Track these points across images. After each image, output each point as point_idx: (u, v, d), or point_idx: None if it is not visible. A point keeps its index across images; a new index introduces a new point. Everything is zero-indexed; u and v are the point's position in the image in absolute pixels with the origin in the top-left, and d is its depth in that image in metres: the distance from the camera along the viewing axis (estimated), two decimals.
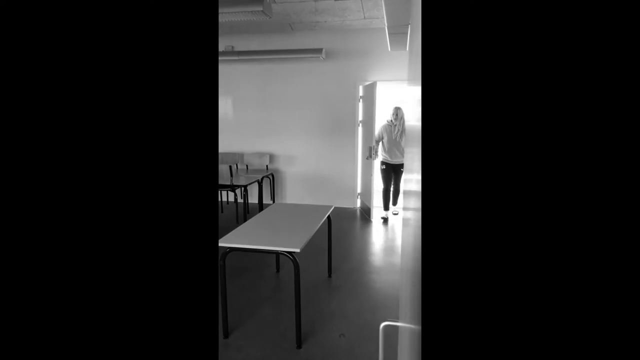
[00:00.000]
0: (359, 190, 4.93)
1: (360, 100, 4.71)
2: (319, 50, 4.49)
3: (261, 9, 2.70)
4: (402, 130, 4.09)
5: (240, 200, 5.12)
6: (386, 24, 3.16)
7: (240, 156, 5.14)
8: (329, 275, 2.83)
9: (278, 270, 2.94)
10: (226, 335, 2.04)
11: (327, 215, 2.48)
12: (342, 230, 4.00)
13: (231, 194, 5.26)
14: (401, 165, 4.16)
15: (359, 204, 4.92)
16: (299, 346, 1.94)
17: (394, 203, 4.49)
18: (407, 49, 2.72)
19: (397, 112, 4.16)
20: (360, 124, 4.72)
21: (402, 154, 4.15)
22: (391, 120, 4.16)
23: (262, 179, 4.47)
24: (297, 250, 1.80)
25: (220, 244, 1.91)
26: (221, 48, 5.02)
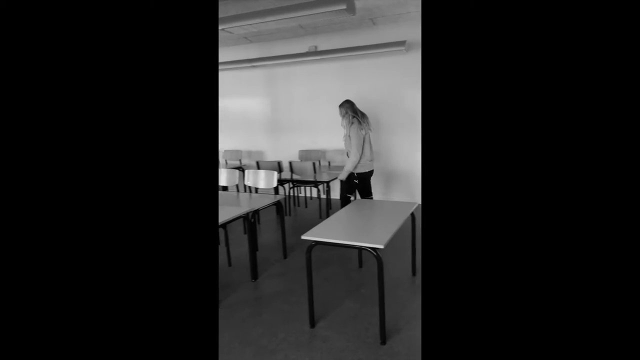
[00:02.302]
0: None
1: None
2: (401, 43, 4.38)
3: (345, 7, 2.73)
4: (346, 134, 3.38)
5: (323, 196, 5.27)
6: None
7: (322, 153, 5.27)
8: (413, 274, 2.77)
9: (361, 266, 2.96)
10: (312, 325, 2.13)
11: (410, 212, 2.42)
12: None
13: (314, 190, 5.44)
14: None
15: None
16: (384, 342, 1.94)
17: None
18: None
19: (339, 111, 3.46)
20: None
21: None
22: None
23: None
24: (381, 246, 1.80)
25: (305, 237, 2.00)
26: (305, 49, 5.19)
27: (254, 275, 2.80)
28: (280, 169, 4.52)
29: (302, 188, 5.44)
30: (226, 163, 5.79)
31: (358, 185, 3.49)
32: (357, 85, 5.02)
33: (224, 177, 3.78)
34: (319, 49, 5.10)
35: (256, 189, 3.89)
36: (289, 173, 4.47)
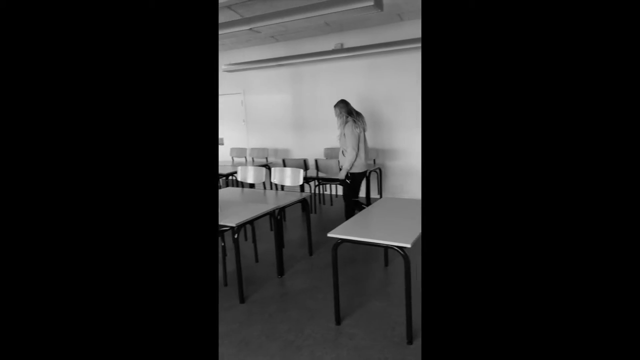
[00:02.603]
0: None
1: None
2: None
3: (372, 3, 2.71)
4: (341, 133, 3.43)
5: None
6: None
7: None
8: None
9: (387, 265, 2.94)
10: (338, 322, 2.14)
11: None
12: None
13: (340, 188, 5.43)
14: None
15: None
16: (410, 342, 1.92)
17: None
18: None
19: (334, 111, 3.53)
20: None
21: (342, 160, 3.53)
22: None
23: (369, 173, 4.51)
24: (408, 245, 1.78)
25: (331, 235, 2.00)
26: (331, 46, 5.18)
27: (280, 272, 2.83)
28: (306, 167, 4.55)
29: (328, 186, 5.45)
30: (253, 161, 5.88)
31: (350, 185, 3.51)
32: (383, 81, 4.96)
33: (251, 175, 3.85)
34: (345, 46, 5.08)
35: (282, 187, 3.93)
36: (315, 171, 4.48)
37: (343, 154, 3.49)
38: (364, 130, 3.44)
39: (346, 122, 3.38)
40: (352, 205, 3.59)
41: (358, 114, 3.46)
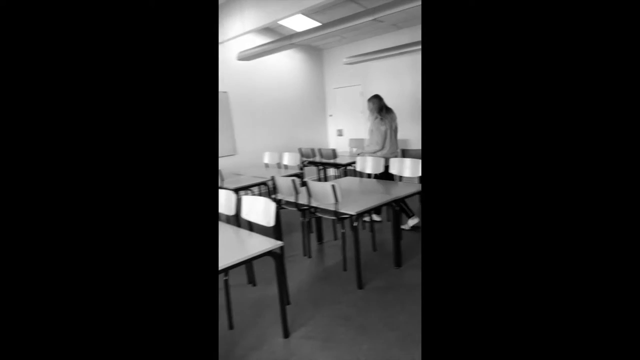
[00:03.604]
0: None
1: None
2: None
3: None
4: (370, 128, 3.66)
5: None
6: None
7: None
8: None
9: None
10: None
11: None
12: None
13: None
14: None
15: None
16: None
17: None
18: None
19: (367, 105, 3.72)
20: None
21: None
22: None
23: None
24: None
25: None
26: None
27: (398, 263, 2.82)
28: None
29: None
30: None
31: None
32: None
33: (369, 165, 3.89)
34: None
35: (400, 177, 3.87)
36: None
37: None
38: (391, 127, 3.62)
39: (375, 118, 3.59)
40: None
41: (388, 110, 3.64)
